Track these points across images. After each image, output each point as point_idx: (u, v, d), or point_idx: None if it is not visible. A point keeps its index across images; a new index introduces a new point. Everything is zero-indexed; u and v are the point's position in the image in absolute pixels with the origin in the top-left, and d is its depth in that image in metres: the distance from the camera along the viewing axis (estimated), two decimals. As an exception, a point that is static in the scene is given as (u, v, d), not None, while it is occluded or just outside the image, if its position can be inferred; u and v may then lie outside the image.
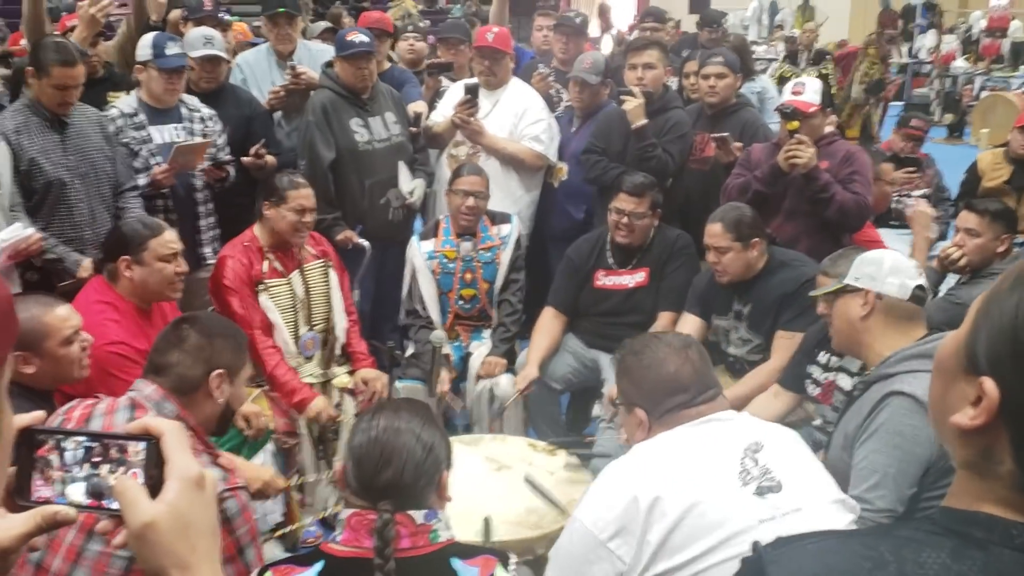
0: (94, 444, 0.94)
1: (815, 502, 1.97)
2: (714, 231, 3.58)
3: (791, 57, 9.29)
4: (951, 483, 2.26)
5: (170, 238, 3.25)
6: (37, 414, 0.97)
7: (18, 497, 0.94)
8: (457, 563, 1.73)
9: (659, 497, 1.86)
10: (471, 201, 4.11)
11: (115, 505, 0.92)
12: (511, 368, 4.10)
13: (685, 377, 2.06)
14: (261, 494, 3.03)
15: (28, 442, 0.94)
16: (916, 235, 4.20)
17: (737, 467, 1.93)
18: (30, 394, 2.42)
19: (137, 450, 0.94)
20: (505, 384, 4.00)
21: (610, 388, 3.64)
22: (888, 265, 2.57)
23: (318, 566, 1.72)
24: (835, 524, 1.98)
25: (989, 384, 0.88)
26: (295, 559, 1.81)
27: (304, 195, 3.69)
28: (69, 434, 0.95)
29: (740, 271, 3.58)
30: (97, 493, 0.94)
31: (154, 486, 0.92)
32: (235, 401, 2.40)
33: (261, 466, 3.15)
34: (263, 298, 3.65)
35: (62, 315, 2.62)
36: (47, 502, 0.93)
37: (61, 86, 3.63)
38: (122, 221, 3.50)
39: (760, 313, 3.59)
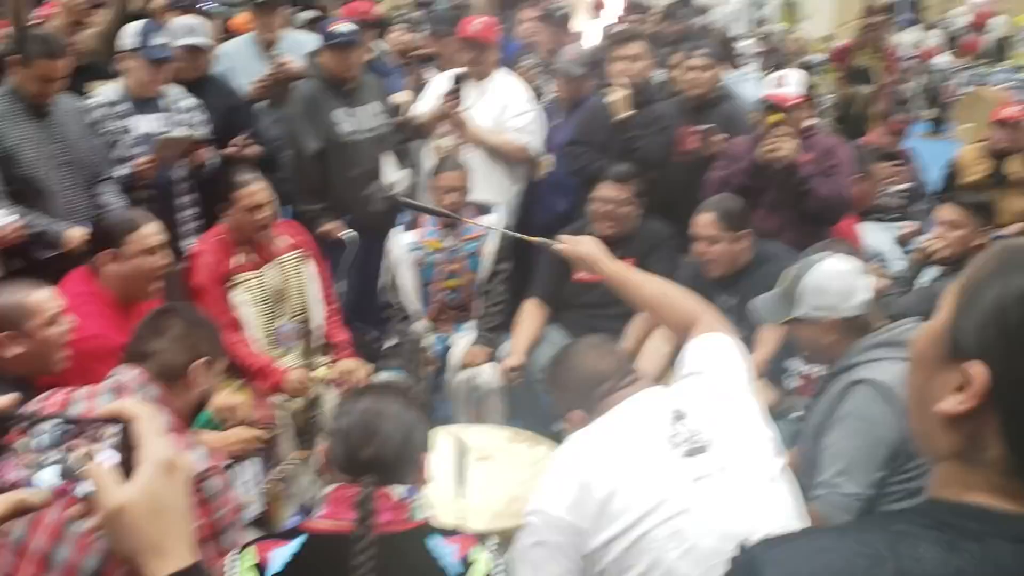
0: (67, 428, 0.94)
1: (745, 456, 2.04)
2: (705, 220, 3.57)
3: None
4: (920, 465, 2.28)
5: (152, 230, 3.22)
6: (9, 397, 0.96)
7: None
8: (435, 540, 1.79)
9: (588, 479, 1.94)
10: (449, 197, 4.09)
11: (87, 488, 0.92)
12: (493, 358, 4.10)
13: (605, 367, 2.20)
14: (245, 452, 3.09)
15: None
16: None
17: (667, 431, 2.01)
18: (13, 382, 2.40)
19: (111, 433, 0.93)
20: (487, 374, 4.00)
21: None
22: (837, 291, 2.55)
23: (300, 539, 1.77)
24: (768, 475, 2.05)
25: (978, 367, 0.88)
26: (276, 535, 1.87)
27: (252, 191, 3.61)
28: (41, 418, 0.95)
29: (727, 264, 3.59)
30: (70, 477, 0.93)
31: (128, 470, 0.92)
32: (209, 392, 2.43)
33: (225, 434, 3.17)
34: (234, 293, 3.62)
35: (45, 296, 2.62)
36: (15, 486, 0.93)
37: (45, 78, 3.61)
38: (104, 213, 3.47)
39: (746, 306, 3.59)
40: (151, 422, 0.94)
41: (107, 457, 0.93)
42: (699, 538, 1.89)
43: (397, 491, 1.79)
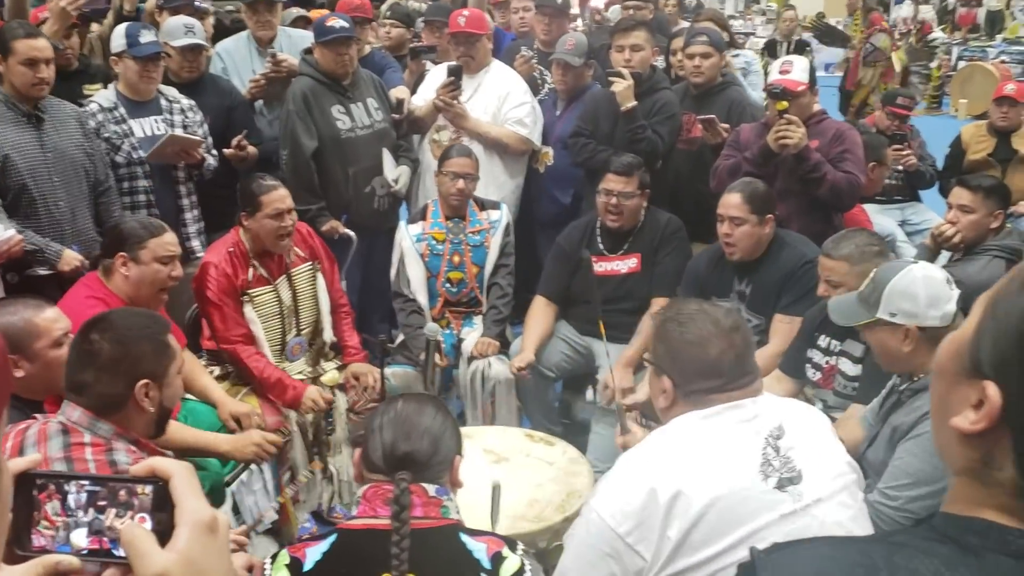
0: (98, 488, 0.89)
1: (834, 490, 1.92)
2: (731, 201, 3.52)
3: (769, 48, 9.07)
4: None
5: (170, 240, 3.17)
6: (34, 457, 0.92)
7: (16, 546, 0.88)
8: (465, 537, 1.79)
9: (680, 492, 1.80)
10: (460, 183, 4.04)
11: (122, 552, 0.87)
12: (504, 351, 4.06)
13: (725, 363, 1.96)
14: (259, 456, 3.06)
15: (26, 487, 0.89)
16: None
17: (759, 459, 1.87)
18: (21, 404, 2.33)
19: (144, 492, 0.89)
20: (498, 365, 3.96)
21: (605, 376, 3.62)
22: (924, 298, 2.41)
23: (331, 539, 1.79)
24: (853, 512, 1.94)
25: (992, 389, 0.86)
26: (310, 537, 1.86)
27: (278, 197, 3.49)
28: (71, 478, 0.90)
29: (751, 247, 3.54)
30: (102, 539, 0.89)
31: (163, 532, 0.87)
32: (170, 401, 2.26)
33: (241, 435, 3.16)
34: (247, 309, 3.52)
35: (51, 316, 2.52)
36: (46, 551, 0.89)
37: (29, 60, 3.52)
38: (124, 219, 3.41)
39: (762, 294, 3.56)
40: (187, 480, 0.89)
41: (140, 519, 0.88)
42: None
43: (429, 488, 1.81)
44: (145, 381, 2.15)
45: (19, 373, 2.40)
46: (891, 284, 2.46)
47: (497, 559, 1.75)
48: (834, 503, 1.91)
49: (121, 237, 3.15)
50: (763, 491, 1.84)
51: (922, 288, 2.43)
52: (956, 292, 2.45)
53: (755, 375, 2.01)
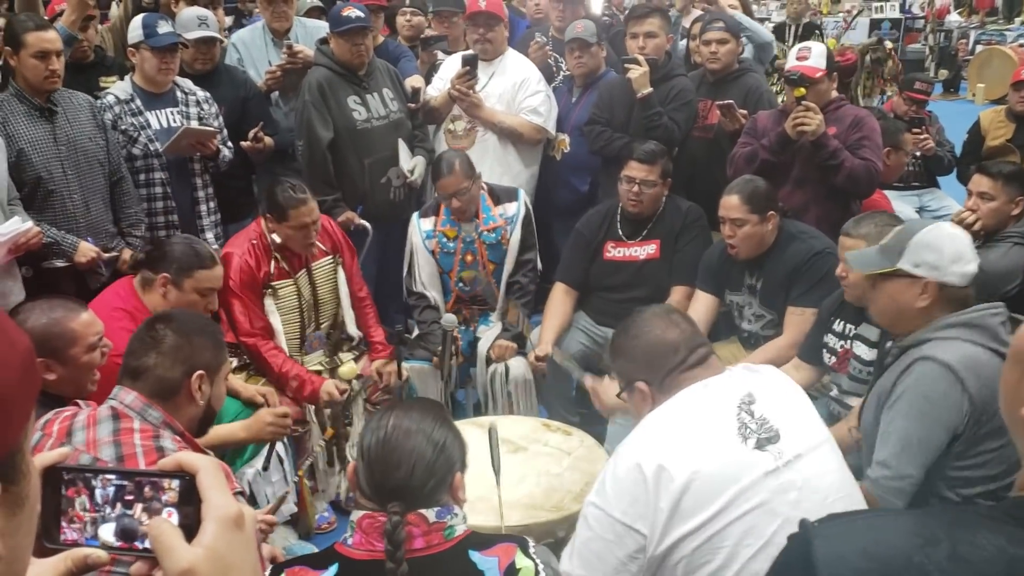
0: (125, 482, 0.90)
1: (812, 445, 2.00)
2: (731, 203, 3.50)
3: (778, 32, 8.92)
4: (983, 452, 2.23)
5: (218, 275, 3.17)
6: (62, 451, 0.92)
7: (46, 540, 0.88)
8: (475, 555, 1.70)
9: (662, 466, 1.87)
10: (455, 203, 3.97)
11: (149, 546, 0.87)
12: (522, 351, 4.03)
13: (673, 337, 2.09)
14: (277, 433, 3.07)
15: (54, 482, 0.89)
16: None
17: (735, 423, 1.94)
18: (47, 399, 2.31)
19: (171, 487, 0.89)
20: (516, 368, 3.94)
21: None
22: (950, 253, 2.40)
23: (333, 569, 1.68)
24: (834, 465, 2.02)
25: None
26: (309, 560, 1.78)
27: (305, 212, 3.47)
28: (98, 472, 0.90)
29: (754, 246, 3.52)
30: (130, 534, 0.89)
31: (190, 526, 0.87)
32: (216, 401, 2.30)
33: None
34: (268, 302, 3.52)
35: (86, 320, 2.51)
36: (75, 544, 0.89)
37: (40, 52, 3.53)
38: (176, 239, 3.33)
39: (772, 287, 3.55)
40: (214, 475, 0.89)
41: (168, 514, 0.88)
42: (773, 534, 1.85)
43: (428, 513, 1.68)
44: (200, 372, 2.20)
45: (50, 376, 2.40)
46: (918, 236, 2.44)
47: (511, 572, 1.69)
48: (815, 457, 1.97)
49: (170, 258, 3.12)
50: (743, 452, 1.91)
51: (948, 243, 2.42)
52: (977, 258, 2.44)
53: (709, 346, 2.15)
